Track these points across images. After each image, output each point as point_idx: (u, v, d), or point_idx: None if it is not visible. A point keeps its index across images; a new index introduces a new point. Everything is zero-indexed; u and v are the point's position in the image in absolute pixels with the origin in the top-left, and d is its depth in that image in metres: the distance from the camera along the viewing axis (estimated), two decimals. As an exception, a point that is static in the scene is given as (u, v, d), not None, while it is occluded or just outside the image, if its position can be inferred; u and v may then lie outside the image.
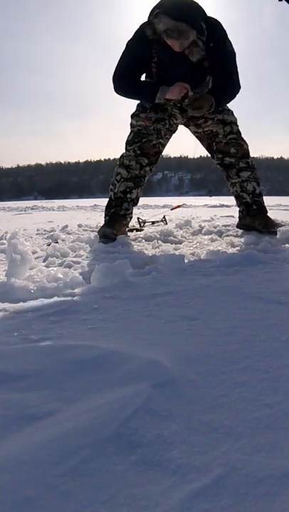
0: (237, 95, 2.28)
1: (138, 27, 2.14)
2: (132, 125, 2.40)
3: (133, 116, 2.39)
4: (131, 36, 2.18)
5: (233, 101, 2.33)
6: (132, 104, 2.40)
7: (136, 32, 2.15)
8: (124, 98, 2.33)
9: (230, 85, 2.23)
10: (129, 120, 2.42)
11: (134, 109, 2.40)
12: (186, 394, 0.61)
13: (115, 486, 0.43)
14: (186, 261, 1.59)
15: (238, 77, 2.22)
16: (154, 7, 2.01)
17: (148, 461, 0.47)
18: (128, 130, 2.42)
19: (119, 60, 2.22)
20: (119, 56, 2.23)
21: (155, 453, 0.48)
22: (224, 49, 2.14)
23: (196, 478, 0.44)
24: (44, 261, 1.77)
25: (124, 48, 2.21)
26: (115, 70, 2.24)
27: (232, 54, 2.17)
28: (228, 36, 2.14)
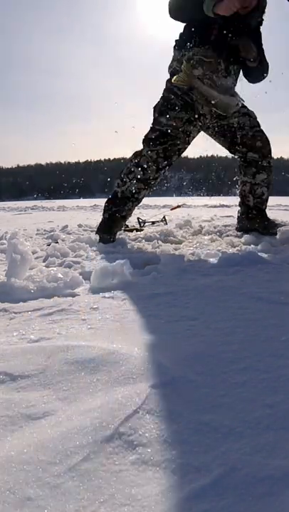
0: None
1: None
2: (159, 122, 2.20)
3: (161, 112, 2.19)
4: None
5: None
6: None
7: None
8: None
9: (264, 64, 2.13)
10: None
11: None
12: (186, 394, 0.61)
13: (115, 486, 0.43)
14: (186, 261, 1.59)
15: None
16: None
17: (148, 461, 0.47)
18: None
19: None
20: None
21: (155, 453, 0.48)
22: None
23: (196, 478, 0.44)
24: (44, 261, 1.77)
25: None
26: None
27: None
28: None
